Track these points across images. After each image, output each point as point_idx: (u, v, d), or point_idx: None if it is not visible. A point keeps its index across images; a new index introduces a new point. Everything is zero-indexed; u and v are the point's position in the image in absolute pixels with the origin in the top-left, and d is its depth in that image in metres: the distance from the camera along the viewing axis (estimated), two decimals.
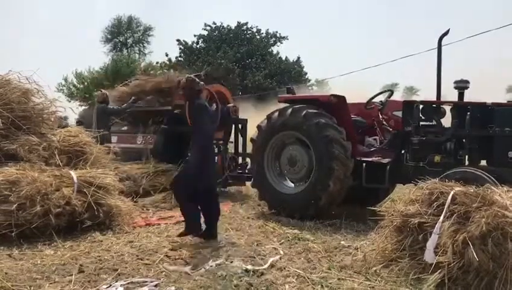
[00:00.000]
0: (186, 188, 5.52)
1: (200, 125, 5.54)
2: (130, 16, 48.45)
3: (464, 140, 6.60)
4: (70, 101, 34.58)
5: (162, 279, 4.18)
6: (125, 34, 48.34)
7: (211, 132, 5.78)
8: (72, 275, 4.22)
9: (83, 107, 36.27)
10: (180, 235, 5.58)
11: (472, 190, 4.29)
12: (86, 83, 36.08)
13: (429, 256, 4.11)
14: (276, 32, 42.29)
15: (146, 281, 4.10)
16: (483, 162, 6.58)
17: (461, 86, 6.71)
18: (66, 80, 37.71)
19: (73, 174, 5.97)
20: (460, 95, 6.75)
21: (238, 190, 9.80)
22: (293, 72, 39.89)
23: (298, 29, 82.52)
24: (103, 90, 10.10)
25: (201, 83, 5.80)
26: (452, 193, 4.27)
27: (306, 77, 41.58)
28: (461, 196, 4.23)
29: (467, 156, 6.55)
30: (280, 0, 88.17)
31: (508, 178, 5.49)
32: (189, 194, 5.53)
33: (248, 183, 9.17)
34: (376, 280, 4.17)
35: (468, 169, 5.99)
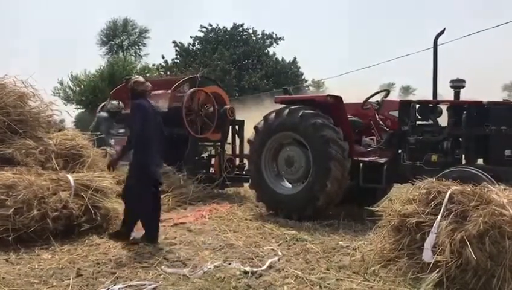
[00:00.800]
0: (144, 192, 5.52)
1: (137, 126, 5.48)
2: (125, 19, 48.42)
3: (460, 139, 6.61)
4: (66, 104, 34.64)
5: (160, 282, 4.17)
6: (121, 37, 48.28)
7: (148, 132, 5.50)
8: (70, 279, 4.20)
9: (80, 110, 36.38)
10: (132, 243, 5.41)
11: (469, 189, 4.30)
12: (82, 86, 36.06)
13: (427, 255, 4.11)
14: (272, 33, 42.37)
15: (144, 284, 4.09)
16: (480, 161, 6.60)
17: (457, 85, 6.74)
18: (61, 83, 37.73)
19: (70, 177, 5.94)
20: (457, 94, 6.77)
21: (236, 192, 9.79)
22: (290, 73, 39.93)
23: (294, 29, 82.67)
24: (121, 103, 9.50)
25: (147, 84, 5.75)
26: (449, 192, 4.28)
27: (303, 77, 41.64)
28: (458, 195, 4.24)
29: (463, 155, 6.56)
30: (276, 1, 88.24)
31: (505, 176, 5.52)
32: (149, 198, 5.54)
33: (246, 185, 9.17)
34: (374, 280, 4.17)
35: (465, 168, 6.00)
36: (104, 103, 10.37)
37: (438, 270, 3.95)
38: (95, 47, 49.50)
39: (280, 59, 41.18)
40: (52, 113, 7.09)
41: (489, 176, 5.60)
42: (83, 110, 36.45)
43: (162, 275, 4.34)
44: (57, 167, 6.24)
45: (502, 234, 3.86)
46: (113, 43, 47.92)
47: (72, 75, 37.25)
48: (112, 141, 9.09)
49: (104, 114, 9.35)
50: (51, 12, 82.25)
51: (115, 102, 9.51)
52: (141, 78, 5.89)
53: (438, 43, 6.85)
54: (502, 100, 6.89)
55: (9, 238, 5.13)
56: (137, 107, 5.57)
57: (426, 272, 4.02)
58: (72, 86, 37.51)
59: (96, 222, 5.88)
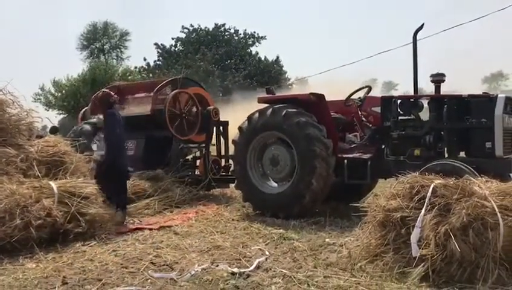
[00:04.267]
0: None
1: (111, 130, 6.97)
2: (105, 22, 47.90)
3: (442, 133, 6.67)
4: (48, 110, 34.23)
5: (147, 287, 4.14)
6: (101, 40, 47.77)
7: (121, 135, 7.09)
8: (55, 287, 4.15)
9: (62, 116, 35.98)
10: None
11: (452, 182, 4.35)
12: (63, 91, 35.66)
13: (413, 249, 4.15)
14: (254, 32, 42.37)
15: None
16: (462, 154, 6.68)
17: (437, 79, 6.81)
18: (42, 88, 37.27)
19: (53, 184, 5.87)
20: (437, 88, 6.84)
21: (222, 193, 9.77)
22: (273, 72, 39.95)
23: (276, 28, 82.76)
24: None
25: (115, 96, 7.40)
26: (432, 185, 4.32)
27: (286, 76, 41.69)
28: (441, 188, 4.29)
29: (446, 149, 6.63)
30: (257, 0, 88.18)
31: (487, 168, 5.58)
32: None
33: (232, 185, 9.16)
34: (362, 276, 4.19)
35: (448, 161, 6.07)
36: (86, 108, 10.30)
37: (423, 263, 4.00)
38: (75, 51, 48.80)
39: (263, 58, 41.20)
40: (32, 120, 6.98)
41: (471, 169, 5.69)
42: (65, 115, 36.04)
43: (149, 280, 4.30)
44: (39, 175, 6.14)
45: (485, 226, 3.92)
46: (93, 47, 47.39)
47: (54, 80, 36.86)
48: (94, 146, 9.00)
49: (88, 127, 9.29)
50: (29, 19, 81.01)
51: (101, 116, 9.64)
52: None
53: (418, 38, 6.92)
54: (481, 93, 6.98)
55: None
56: (113, 116, 7.02)
57: (412, 266, 4.07)
58: (53, 92, 37.09)
59: (82, 228, 5.80)
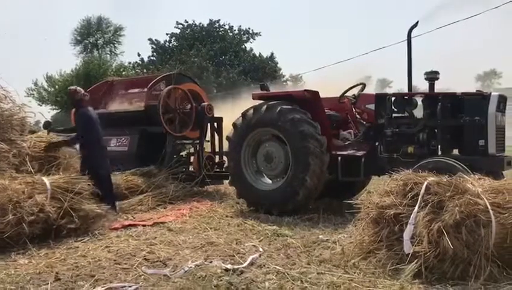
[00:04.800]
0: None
1: (84, 130, 6.77)
2: (99, 17, 47.65)
3: (435, 130, 6.71)
4: (41, 105, 34.06)
5: (140, 283, 4.12)
6: (95, 35, 47.49)
7: (97, 133, 6.91)
8: (48, 283, 4.11)
9: (55, 111, 35.79)
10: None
11: (445, 180, 4.37)
12: (56, 86, 35.49)
13: (406, 246, 4.17)
14: (249, 28, 42.34)
15: (124, 286, 4.04)
16: (455, 151, 6.71)
17: (431, 77, 6.83)
18: (36, 84, 37.10)
19: (46, 180, 5.83)
20: (431, 86, 6.87)
21: (216, 189, 9.76)
22: (267, 68, 39.96)
23: (271, 25, 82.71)
24: None
25: (83, 93, 7.04)
26: (426, 183, 4.33)
27: (280, 72, 41.73)
28: (434, 185, 4.30)
29: (439, 146, 6.66)
30: None
31: (480, 166, 5.61)
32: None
33: (226, 182, 9.15)
34: (355, 273, 4.21)
35: (441, 159, 6.10)
36: None
37: (416, 260, 4.01)
38: (69, 46, 48.46)
39: (257, 54, 41.20)
40: (25, 115, 6.93)
41: (464, 166, 5.71)
42: (58, 110, 35.88)
43: (142, 276, 4.29)
44: (32, 170, 6.12)
45: (477, 223, 3.94)
46: (87, 41, 47.11)
47: (47, 75, 36.68)
48: None
49: None
50: (22, 12, 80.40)
51: None
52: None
53: (412, 36, 6.94)
54: (475, 91, 7.00)
55: None
56: (84, 115, 6.79)
57: (405, 263, 4.08)
58: (46, 87, 36.92)
59: (75, 224, 5.77)
